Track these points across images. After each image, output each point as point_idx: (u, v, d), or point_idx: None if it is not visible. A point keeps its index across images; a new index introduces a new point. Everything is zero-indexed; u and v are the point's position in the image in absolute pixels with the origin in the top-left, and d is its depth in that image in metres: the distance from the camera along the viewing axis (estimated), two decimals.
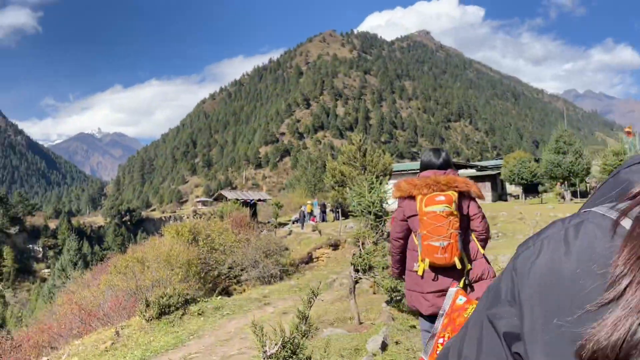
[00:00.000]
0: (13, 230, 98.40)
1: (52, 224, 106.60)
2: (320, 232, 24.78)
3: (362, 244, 6.66)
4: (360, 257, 6.55)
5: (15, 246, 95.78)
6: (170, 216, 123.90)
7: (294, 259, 22.00)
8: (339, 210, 32.30)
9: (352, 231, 25.37)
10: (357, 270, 6.70)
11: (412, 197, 3.67)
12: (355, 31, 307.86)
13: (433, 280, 3.61)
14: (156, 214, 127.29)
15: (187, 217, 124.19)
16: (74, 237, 72.23)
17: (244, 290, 19.36)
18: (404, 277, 4.02)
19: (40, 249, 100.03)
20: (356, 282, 6.85)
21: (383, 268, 6.47)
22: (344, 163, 24.45)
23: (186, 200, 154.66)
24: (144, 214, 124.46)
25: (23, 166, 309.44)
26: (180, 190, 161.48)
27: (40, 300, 50.08)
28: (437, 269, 3.59)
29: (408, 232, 3.82)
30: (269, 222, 32.80)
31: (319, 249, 22.51)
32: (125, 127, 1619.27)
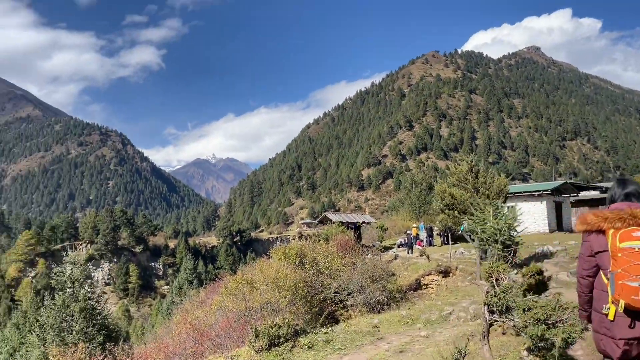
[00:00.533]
0: (138, 249, 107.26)
1: (172, 244, 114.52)
2: (428, 257, 23.72)
3: (496, 279, 5.85)
4: (495, 296, 5.72)
5: (139, 264, 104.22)
6: (277, 237, 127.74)
7: (402, 285, 21.16)
8: (448, 234, 30.88)
9: (463, 257, 23.98)
10: (491, 312, 5.86)
11: (601, 232, 3.29)
12: (459, 51, 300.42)
13: (629, 326, 3.19)
14: (264, 235, 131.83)
15: (293, 239, 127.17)
16: (190, 257, 76.68)
17: (350, 316, 18.88)
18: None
19: (161, 267, 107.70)
20: (490, 324, 5.99)
21: (524, 310, 5.57)
22: (453, 185, 23.25)
23: (292, 222, 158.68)
24: (253, 234, 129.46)
25: (147, 190, 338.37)
26: (287, 212, 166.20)
27: (160, 316, 53.61)
28: (635, 313, 3.18)
29: (597, 269, 3.41)
30: (373, 246, 32.21)
31: (427, 275, 21.49)
32: (236, 153, 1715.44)
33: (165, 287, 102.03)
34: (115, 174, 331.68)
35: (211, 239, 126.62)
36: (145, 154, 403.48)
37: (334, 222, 32.71)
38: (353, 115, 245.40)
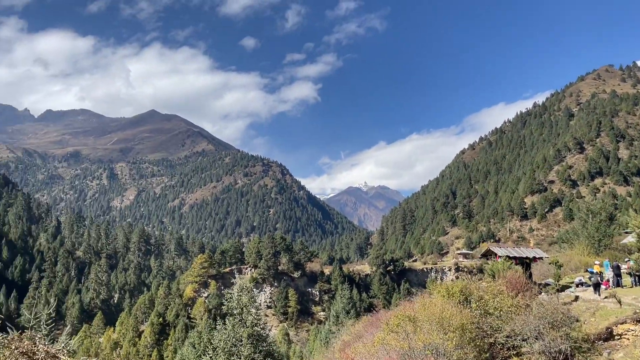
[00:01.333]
0: (296, 274, 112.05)
1: (327, 270, 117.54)
2: (619, 301, 20.25)
3: None
4: None
5: (297, 289, 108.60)
6: (431, 268, 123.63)
7: (588, 333, 18.32)
8: None
9: None
10: None
11: None
12: (638, 63, 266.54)
13: None
14: (418, 265, 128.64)
15: (449, 270, 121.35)
16: (346, 286, 77.60)
17: None
18: None
19: (317, 293, 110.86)
20: None
21: None
22: None
23: (447, 252, 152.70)
24: (406, 264, 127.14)
25: (304, 217, 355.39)
26: (441, 242, 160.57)
27: (318, 342, 54.74)
28: None
29: None
30: (547, 284, 28.80)
31: (622, 324, 18.26)
32: (388, 180, 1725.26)
33: (322, 313, 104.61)
34: (275, 202, 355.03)
35: (364, 267, 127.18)
36: (302, 183, 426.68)
37: (499, 256, 30.04)
38: (513, 138, 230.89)
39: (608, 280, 27.27)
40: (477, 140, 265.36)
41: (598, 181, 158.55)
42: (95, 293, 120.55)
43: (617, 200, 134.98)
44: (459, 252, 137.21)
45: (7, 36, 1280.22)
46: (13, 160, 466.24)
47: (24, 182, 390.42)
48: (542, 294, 26.03)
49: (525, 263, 30.69)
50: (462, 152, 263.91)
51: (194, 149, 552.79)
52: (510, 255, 30.12)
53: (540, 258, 33.67)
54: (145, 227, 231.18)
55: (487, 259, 34.47)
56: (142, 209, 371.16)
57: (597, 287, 24.43)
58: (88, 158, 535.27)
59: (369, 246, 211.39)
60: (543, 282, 30.78)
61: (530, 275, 30.28)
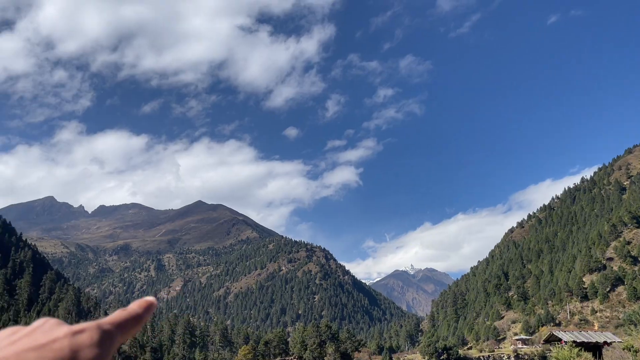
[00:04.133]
0: None
1: None
2: None
3: None
4: None
5: None
6: (488, 355, 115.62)
7: None
8: None
9: None
10: None
11: None
12: None
13: None
14: (474, 353, 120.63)
15: (508, 358, 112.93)
16: None
17: None
18: None
19: None
20: None
21: None
22: None
23: (503, 338, 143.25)
24: (461, 352, 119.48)
25: (350, 303, 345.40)
26: (497, 327, 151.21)
27: None
28: None
29: None
30: None
31: None
32: (435, 262, 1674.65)
33: None
34: (320, 288, 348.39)
35: (416, 356, 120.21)
36: (347, 267, 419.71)
37: (564, 342, 27.47)
38: (563, 215, 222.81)
39: None
40: (526, 218, 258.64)
41: None
42: None
43: None
44: (516, 337, 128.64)
45: (68, 139, 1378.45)
46: (66, 255, 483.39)
47: (75, 277, 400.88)
48: None
49: (596, 349, 27.84)
50: (511, 230, 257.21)
51: (238, 237, 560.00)
52: (578, 341, 27.45)
53: (611, 343, 30.60)
54: (191, 318, 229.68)
55: (551, 345, 31.67)
56: (188, 300, 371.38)
57: None
58: (137, 250, 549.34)
59: (419, 333, 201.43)
60: None
61: None
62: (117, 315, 2.09)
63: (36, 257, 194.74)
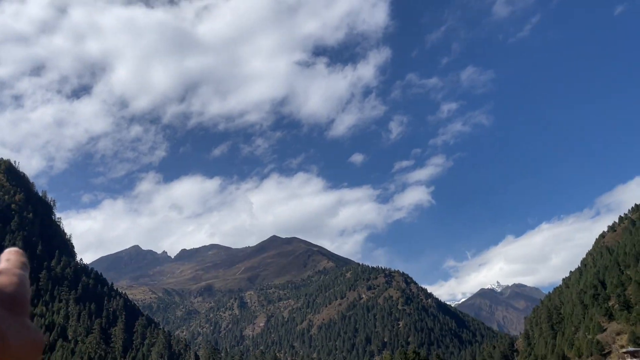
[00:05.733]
0: None
1: None
2: None
3: None
4: None
5: None
6: None
7: None
8: None
9: None
10: None
11: None
12: None
13: None
14: None
15: None
16: None
17: None
18: None
19: None
20: None
21: None
22: None
23: (609, 352, 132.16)
24: None
25: (436, 327, 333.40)
26: (600, 340, 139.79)
27: None
28: None
29: None
30: None
31: None
32: (523, 277, 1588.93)
33: None
34: (403, 314, 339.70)
35: None
36: (429, 290, 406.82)
37: None
38: None
39: None
40: (617, 221, 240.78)
41: None
42: None
43: None
44: (624, 350, 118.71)
45: (147, 189, 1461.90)
46: (155, 300, 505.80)
47: (165, 320, 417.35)
48: None
49: None
50: (602, 235, 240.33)
51: (315, 268, 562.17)
52: None
53: None
54: (277, 354, 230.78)
55: None
56: (272, 335, 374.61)
57: None
58: (220, 290, 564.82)
59: (515, 353, 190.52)
60: None
61: None
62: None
63: (127, 304, 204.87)
